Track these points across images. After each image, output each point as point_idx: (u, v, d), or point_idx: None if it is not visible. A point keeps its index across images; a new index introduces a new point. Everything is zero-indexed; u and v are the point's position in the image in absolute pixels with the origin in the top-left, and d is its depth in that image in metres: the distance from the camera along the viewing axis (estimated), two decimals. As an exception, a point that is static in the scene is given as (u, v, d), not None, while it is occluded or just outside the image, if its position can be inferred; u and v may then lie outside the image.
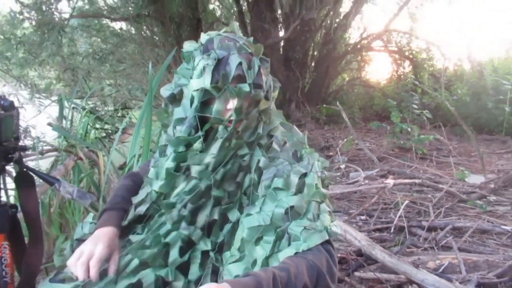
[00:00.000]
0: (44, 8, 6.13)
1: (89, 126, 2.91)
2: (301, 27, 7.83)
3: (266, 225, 0.91)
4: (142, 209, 1.03)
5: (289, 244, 0.90)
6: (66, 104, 3.18)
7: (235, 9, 8.47)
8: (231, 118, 0.95)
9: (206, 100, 0.97)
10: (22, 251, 1.11)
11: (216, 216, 0.99)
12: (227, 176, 0.99)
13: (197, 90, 0.95)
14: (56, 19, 6.14)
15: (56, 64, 6.14)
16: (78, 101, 3.45)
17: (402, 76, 9.02)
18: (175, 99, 1.03)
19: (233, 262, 0.93)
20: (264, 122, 1.04)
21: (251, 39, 1.03)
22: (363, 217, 3.02)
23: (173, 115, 1.03)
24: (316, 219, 0.93)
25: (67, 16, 6.09)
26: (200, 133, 0.97)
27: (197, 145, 0.98)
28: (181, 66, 1.03)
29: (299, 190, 0.95)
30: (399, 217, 2.77)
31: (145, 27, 7.26)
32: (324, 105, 6.63)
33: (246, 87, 0.94)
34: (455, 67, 8.77)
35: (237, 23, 1.07)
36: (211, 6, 8.87)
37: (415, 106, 5.29)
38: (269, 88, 1.03)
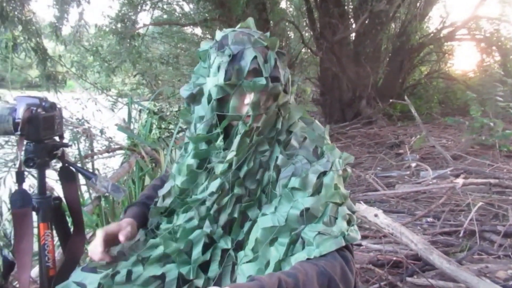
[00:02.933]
0: (126, 19, 6.70)
1: (153, 126, 3.10)
2: (371, 20, 7.50)
3: (281, 226, 0.89)
4: (167, 201, 1.07)
5: (303, 249, 0.87)
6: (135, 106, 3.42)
7: (304, 6, 8.39)
8: (249, 113, 0.93)
9: (224, 97, 0.97)
10: (66, 239, 1.23)
11: (236, 214, 0.99)
12: (249, 173, 0.98)
13: (213, 87, 0.95)
14: (136, 28, 6.67)
15: (133, 70, 6.65)
16: (146, 103, 3.69)
17: (489, 67, 8.17)
18: (195, 98, 1.03)
19: (247, 262, 0.92)
20: (283, 118, 1.01)
21: (268, 34, 1.01)
22: (429, 219, 2.80)
23: (194, 113, 1.04)
24: (332, 223, 0.89)
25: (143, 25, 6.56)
26: (218, 130, 0.98)
27: (219, 143, 0.98)
28: (198, 65, 1.03)
29: (317, 191, 0.91)
30: (470, 220, 2.52)
31: (217, 29, 7.52)
32: (391, 100, 6.25)
33: (262, 81, 0.92)
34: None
35: (252, 19, 1.05)
36: (279, 5, 8.90)
37: (500, 99, 4.74)
38: (287, 82, 1.00)
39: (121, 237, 0.94)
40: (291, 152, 0.98)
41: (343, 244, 0.86)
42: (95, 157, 2.85)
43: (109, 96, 5.55)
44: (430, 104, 7.98)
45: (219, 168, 0.97)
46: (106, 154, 3.04)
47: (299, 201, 0.90)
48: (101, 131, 3.51)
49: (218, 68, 0.94)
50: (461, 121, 4.79)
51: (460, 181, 2.82)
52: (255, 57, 0.92)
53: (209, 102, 0.98)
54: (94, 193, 2.34)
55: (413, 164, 4.26)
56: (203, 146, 1.01)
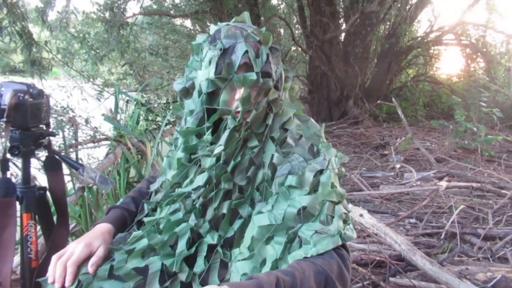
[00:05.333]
0: (114, 7, 6.56)
1: (140, 118, 3.06)
2: (362, 21, 7.53)
3: (278, 224, 0.88)
4: (158, 197, 1.06)
5: (300, 247, 0.87)
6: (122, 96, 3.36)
7: (296, 4, 8.38)
8: (238, 108, 0.92)
9: (215, 91, 0.96)
10: (50, 230, 1.20)
11: (224, 211, 0.98)
12: (237, 169, 0.97)
13: (203, 81, 0.94)
14: (125, 17, 6.54)
15: (120, 60, 6.54)
16: (133, 93, 3.63)
17: (474, 72, 8.33)
18: (188, 92, 1.02)
19: (242, 260, 0.92)
20: (275, 114, 1.00)
21: (263, 29, 1.00)
22: (412, 220, 2.85)
23: (185, 107, 1.03)
24: (329, 222, 0.89)
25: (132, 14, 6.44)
26: (207, 124, 0.96)
27: (207, 136, 0.97)
28: (191, 59, 1.02)
29: (314, 189, 0.91)
30: (452, 222, 2.57)
31: (208, 23, 7.47)
32: (379, 101, 6.31)
33: (252, 76, 0.91)
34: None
35: (248, 13, 1.04)
36: (271, 1, 8.86)
37: (483, 104, 4.84)
38: (279, 78, 0.99)
39: (90, 269, 0.91)
40: (287, 150, 0.97)
41: (340, 243, 0.87)
42: (79, 147, 2.79)
43: (96, 85, 5.42)
44: (415, 107, 8.09)
45: (207, 162, 0.96)
46: (91, 144, 2.99)
47: (296, 199, 0.89)
48: (86, 121, 3.44)
49: (210, 61, 0.93)
50: (446, 125, 4.87)
51: (444, 184, 2.86)
52: (247, 52, 0.91)
53: (199, 95, 0.97)
54: (78, 183, 2.30)
55: (398, 166, 4.31)
56: (193, 140, 1.00)
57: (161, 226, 0.98)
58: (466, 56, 8.87)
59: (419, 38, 9.00)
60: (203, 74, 0.95)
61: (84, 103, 4.18)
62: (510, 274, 1.89)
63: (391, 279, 1.91)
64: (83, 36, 6.06)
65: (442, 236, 2.50)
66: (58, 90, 4.75)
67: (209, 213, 0.99)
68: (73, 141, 2.88)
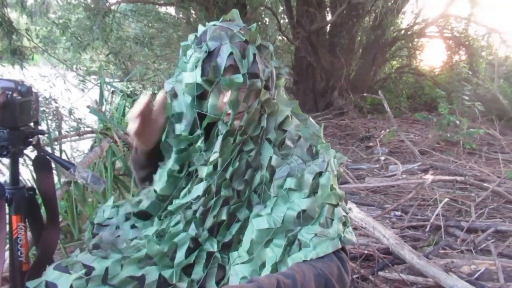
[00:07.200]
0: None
1: (126, 109, 2.99)
2: (348, 12, 7.53)
3: (277, 227, 0.88)
4: (144, 204, 1.02)
5: (299, 250, 0.86)
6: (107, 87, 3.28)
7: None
8: (228, 111, 0.91)
9: (203, 95, 0.94)
10: (40, 232, 1.16)
11: (224, 217, 0.96)
12: (235, 174, 0.95)
13: (190, 84, 0.92)
14: (107, 4, 6.35)
15: (103, 47, 6.37)
16: (119, 84, 3.55)
17: (456, 65, 8.44)
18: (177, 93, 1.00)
19: (241, 263, 0.91)
20: (269, 114, 0.98)
21: (254, 26, 0.97)
22: (397, 213, 2.90)
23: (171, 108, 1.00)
24: (329, 225, 0.89)
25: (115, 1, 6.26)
26: (199, 131, 0.94)
27: (199, 144, 0.95)
28: (181, 60, 0.99)
29: (313, 191, 0.90)
30: (437, 215, 2.63)
31: (192, 11, 7.33)
32: (364, 94, 6.36)
33: (238, 78, 0.88)
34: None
35: (237, 11, 1.01)
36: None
37: (466, 97, 4.93)
38: (269, 77, 0.96)
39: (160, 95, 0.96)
40: (286, 152, 0.96)
41: (340, 246, 0.86)
42: (64, 139, 2.72)
43: (79, 75, 5.26)
44: (399, 99, 8.18)
45: (204, 171, 0.94)
46: (76, 137, 2.92)
47: (295, 202, 0.89)
48: (70, 112, 3.35)
49: (195, 65, 0.91)
50: (430, 118, 4.95)
51: (429, 177, 2.92)
52: (232, 53, 0.89)
53: (186, 98, 0.95)
54: (63, 178, 2.25)
55: (382, 158, 4.37)
56: (184, 146, 0.97)
57: (164, 238, 0.96)
58: (449, 48, 8.99)
59: (403, 30, 9.07)
60: (188, 76, 0.93)
61: (67, 93, 4.05)
62: (493, 267, 1.95)
63: (380, 272, 1.95)
64: (64, 24, 5.86)
65: (427, 229, 2.56)
66: (40, 80, 4.58)
67: (209, 221, 0.96)
68: (57, 133, 2.80)
